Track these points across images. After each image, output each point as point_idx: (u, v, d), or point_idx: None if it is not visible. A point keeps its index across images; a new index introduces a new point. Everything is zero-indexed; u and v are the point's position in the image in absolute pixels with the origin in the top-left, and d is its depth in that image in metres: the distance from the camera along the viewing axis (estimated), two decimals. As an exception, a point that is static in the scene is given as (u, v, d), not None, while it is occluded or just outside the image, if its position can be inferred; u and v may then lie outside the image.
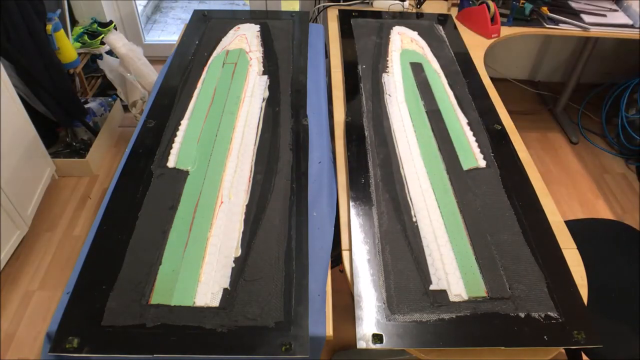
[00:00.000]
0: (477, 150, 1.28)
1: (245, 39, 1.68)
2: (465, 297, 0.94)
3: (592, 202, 2.29)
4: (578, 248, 1.07)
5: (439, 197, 1.14)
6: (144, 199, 1.09)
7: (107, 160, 2.28)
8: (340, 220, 1.10)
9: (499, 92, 1.52)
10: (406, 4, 1.95)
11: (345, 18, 1.86)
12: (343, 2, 1.99)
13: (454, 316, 0.90)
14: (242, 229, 1.04)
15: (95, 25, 2.53)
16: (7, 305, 1.72)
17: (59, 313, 0.87)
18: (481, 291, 0.95)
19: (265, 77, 1.51)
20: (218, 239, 1.01)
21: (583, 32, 1.94)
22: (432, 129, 1.34)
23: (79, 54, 2.30)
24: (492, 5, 1.82)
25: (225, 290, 0.92)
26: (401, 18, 1.89)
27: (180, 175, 1.15)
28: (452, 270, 0.98)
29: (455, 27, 1.86)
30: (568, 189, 2.34)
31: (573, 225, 1.14)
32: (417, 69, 1.57)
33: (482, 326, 0.89)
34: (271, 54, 1.62)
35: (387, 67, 1.57)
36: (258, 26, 1.76)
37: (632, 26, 1.96)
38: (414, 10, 1.97)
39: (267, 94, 1.44)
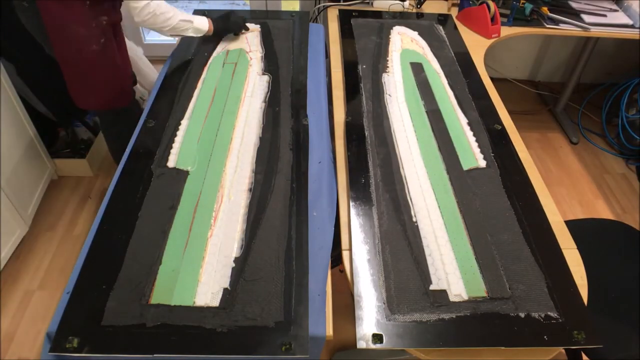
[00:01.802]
0: (477, 150, 1.28)
1: (245, 39, 1.68)
2: (465, 297, 0.94)
3: (592, 202, 2.29)
4: (578, 248, 1.07)
5: (439, 197, 1.14)
6: (144, 199, 1.09)
7: (107, 160, 2.28)
8: (340, 220, 1.10)
9: (499, 92, 1.52)
10: (406, 4, 1.95)
11: (345, 18, 1.86)
12: (343, 2, 1.99)
13: (454, 316, 0.90)
14: (242, 229, 1.04)
15: (96, 25, 2.53)
16: (7, 305, 1.71)
17: (59, 313, 0.87)
18: (481, 291, 0.95)
19: (266, 77, 1.51)
20: (218, 239, 1.01)
21: (583, 32, 1.94)
22: (432, 129, 1.34)
23: (79, 53, 2.29)
24: (492, 5, 1.82)
25: (225, 290, 0.92)
26: (401, 18, 1.90)
27: (180, 175, 1.15)
28: (452, 270, 0.98)
29: (456, 27, 1.86)
30: (568, 189, 2.34)
31: (573, 225, 1.14)
32: (417, 69, 1.57)
33: (482, 326, 0.89)
34: (271, 53, 1.62)
35: (388, 67, 1.57)
36: (258, 26, 1.76)
37: (632, 26, 1.96)
38: (414, 10, 1.97)
39: (267, 93, 1.44)
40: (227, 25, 1.66)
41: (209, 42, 1.67)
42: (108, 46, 1.50)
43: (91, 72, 1.53)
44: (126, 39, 2.10)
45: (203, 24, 1.58)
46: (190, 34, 1.54)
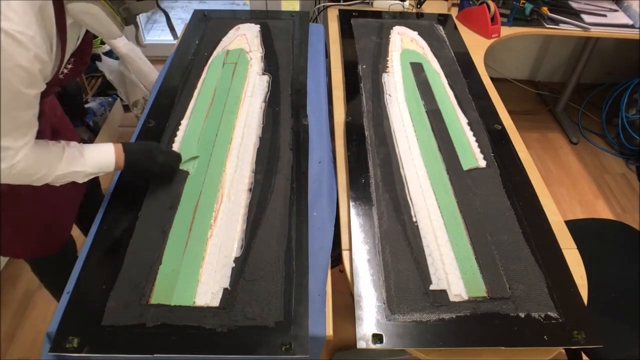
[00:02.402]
0: (477, 150, 1.28)
1: (245, 39, 1.68)
2: (465, 297, 0.94)
3: (592, 202, 2.29)
4: (578, 248, 1.07)
5: (439, 197, 1.14)
6: (144, 199, 1.09)
7: (107, 160, 2.28)
8: (340, 220, 1.10)
9: (499, 92, 1.52)
10: (406, 4, 1.95)
11: (345, 18, 1.86)
12: (343, 2, 1.99)
13: (454, 316, 0.90)
14: (242, 229, 1.04)
15: (96, 25, 2.52)
16: (7, 305, 1.71)
17: (59, 313, 0.87)
18: (481, 291, 0.95)
19: (266, 77, 1.51)
20: (218, 239, 1.01)
21: (583, 32, 1.94)
22: (432, 129, 1.34)
23: (79, 53, 2.29)
24: (492, 5, 1.82)
25: (225, 290, 0.92)
26: (401, 18, 1.89)
27: (180, 175, 1.15)
28: (452, 270, 0.98)
29: (456, 27, 1.86)
30: (568, 189, 2.34)
31: (573, 225, 1.14)
32: (417, 69, 1.57)
33: (482, 326, 0.89)
34: (271, 54, 1.62)
35: (388, 67, 1.57)
36: (258, 26, 1.76)
37: (632, 26, 1.96)
38: (414, 10, 1.97)
39: (267, 93, 1.44)
40: (148, 165, 1.07)
41: (209, 42, 1.67)
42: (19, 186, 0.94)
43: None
44: (125, 39, 2.09)
45: (106, 165, 1.00)
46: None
